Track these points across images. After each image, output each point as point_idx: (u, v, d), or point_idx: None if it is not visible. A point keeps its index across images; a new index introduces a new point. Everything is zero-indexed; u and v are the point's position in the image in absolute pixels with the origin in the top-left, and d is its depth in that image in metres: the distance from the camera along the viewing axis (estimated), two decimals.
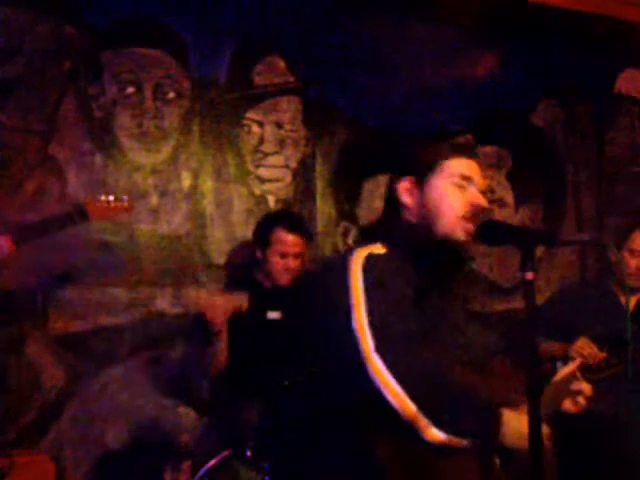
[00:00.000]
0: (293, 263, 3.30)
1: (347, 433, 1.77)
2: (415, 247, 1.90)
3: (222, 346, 3.19)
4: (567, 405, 1.93)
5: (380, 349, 1.70)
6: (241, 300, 3.20)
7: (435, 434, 1.67)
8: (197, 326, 3.29)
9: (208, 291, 3.59)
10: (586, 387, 1.92)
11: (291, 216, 3.62)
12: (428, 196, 1.93)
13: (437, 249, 1.90)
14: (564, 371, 1.94)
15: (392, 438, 1.71)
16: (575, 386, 1.91)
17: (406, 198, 1.95)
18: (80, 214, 2.90)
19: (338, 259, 1.88)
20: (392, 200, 1.98)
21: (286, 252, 3.29)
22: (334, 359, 1.80)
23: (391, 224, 1.98)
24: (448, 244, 1.90)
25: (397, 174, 1.98)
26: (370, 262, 1.82)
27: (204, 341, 3.25)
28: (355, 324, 1.73)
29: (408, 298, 1.81)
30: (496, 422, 1.73)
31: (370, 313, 1.74)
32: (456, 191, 1.91)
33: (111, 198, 3.01)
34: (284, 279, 3.31)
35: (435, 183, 1.93)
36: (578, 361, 1.96)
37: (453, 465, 1.72)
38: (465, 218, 1.90)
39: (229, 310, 3.15)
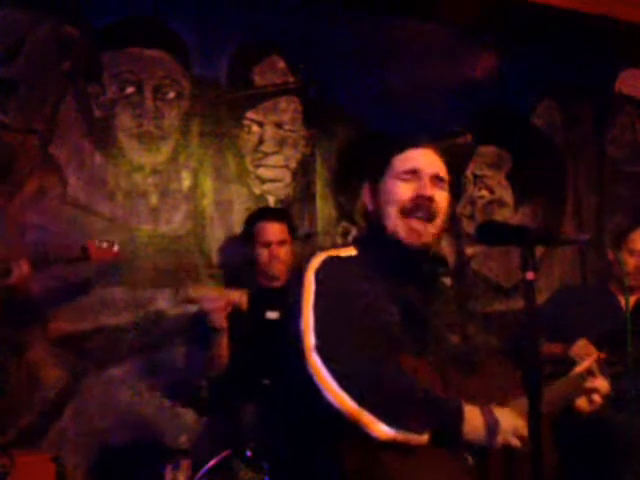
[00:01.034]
0: (277, 250, 3.32)
1: (313, 438, 1.77)
2: (375, 246, 1.91)
3: (224, 344, 3.19)
4: (581, 403, 1.90)
5: (320, 347, 1.70)
6: (241, 295, 3.20)
7: (382, 430, 1.66)
8: (198, 324, 3.29)
9: (207, 287, 3.60)
10: (602, 384, 1.89)
11: (269, 208, 3.66)
12: (380, 196, 1.94)
13: (388, 246, 1.90)
14: (581, 366, 1.91)
15: (354, 442, 1.68)
16: (590, 383, 1.88)
17: (369, 202, 1.98)
18: (82, 254, 3.18)
19: (305, 263, 1.89)
20: (363, 206, 2.01)
21: (268, 241, 3.33)
22: (287, 359, 1.82)
23: (363, 227, 2.03)
24: (394, 242, 1.88)
25: (363, 178, 2.02)
26: (325, 265, 1.84)
27: (205, 340, 3.25)
28: (302, 323, 1.75)
29: (362, 300, 1.81)
30: (454, 418, 1.71)
31: (316, 313, 1.75)
32: (401, 185, 1.90)
33: (105, 245, 3.22)
34: (274, 269, 3.33)
35: (385, 183, 1.94)
36: (595, 356, 1.93)
37: (421, 468, 1.70)
38: (407, 213, 1.88)
39: (229, 306, 3.15)
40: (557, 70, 4.66)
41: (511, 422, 1.73)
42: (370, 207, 1.97)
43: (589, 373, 1.89)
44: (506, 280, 4.51)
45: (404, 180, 1.90)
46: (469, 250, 4.44)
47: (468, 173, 4.49)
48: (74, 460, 3.38)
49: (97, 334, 3.50)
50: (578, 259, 4.75)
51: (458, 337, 2.00)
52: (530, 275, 1.60)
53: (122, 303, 3.55)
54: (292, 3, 3.95)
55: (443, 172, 1.94)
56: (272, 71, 3.98)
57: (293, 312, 1.79)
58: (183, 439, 3.57)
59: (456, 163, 4.52)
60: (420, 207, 1.87)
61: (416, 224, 1.87)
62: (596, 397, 1.89)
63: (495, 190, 4.57)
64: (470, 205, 4.49)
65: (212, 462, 2.92)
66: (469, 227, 4.42)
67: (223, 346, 3.19)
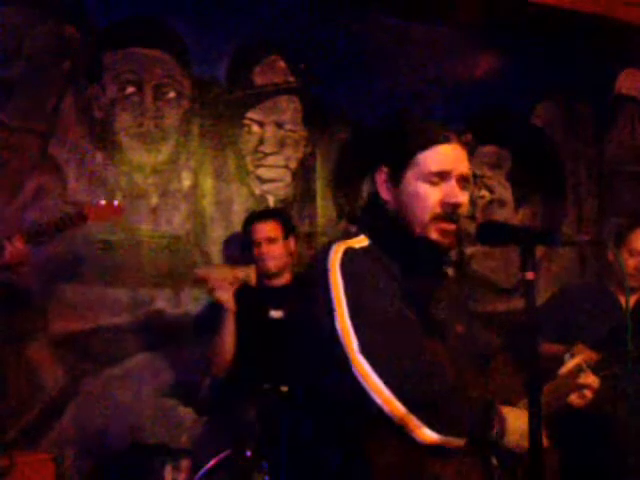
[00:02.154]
0: (266, 248, 3.35)
1: (342, 438, 1.74)
2: (397, 242, 1.84)
3: (231, 326, 3.18)
4: (573, 399, 1.90)
5: (365, 350, 1.66)
6: (248, 270, 3.21)
7: (427, 434, 1.64)
8: (207, 314, 3.30)
9: (214, 265, 3.62)
10: (593, 380, 1.89)
11: (262, 210, 3.68)
12: (403, 194, 1.83)
13: (417, 247, 1.83)
14: (570, 364, 1.92)
15: (387, 443, 1.67)
16: (581, 379, 1.88)
17: (384, 192, 1.87)
18: (79, 217, 3.03)
19: (319, 256, 1.81)
20: (375, 191, 1.90)
21: (258, 239, 3.37)
22: (319, 360, 1.77)
23: (374, 216, 1.90)
24: (426, 243, 1.82)
25: (378, 164, 1.89)
26: (348, 258, 1.76)
27: (212, 327, 3.24)
28: (338, 324, 1.69)
29: (390, 294, 1.76)
30: (492, 420, 1.70)
31: (352, 312, 1.69)
32: (429, 189, 1.81)
33: (103, 202, 3.13)
34: (267, 266, 3.36)
35: (408, 180, 1.83)
36: (581, 356, 1.94)
37: (451, 469, 1.70)
38: (439, 218, 1.81)
39: (236, 281, 3.16)
40: (557, 70, 4.66)
41: (519, 424, 1.72)
42: (385, 196, 1.87)
43: (579, 370, 1.89)
44: (506, 280, 4.51)
45: (432, 183, 1.81)
46: (469, 250, 4.44)
47: None
48: (74, 460, 3.38)
49: (97, 334, 3.50)
50: (578, 259, 4.75)
51: (463, 333, 1.98)
52: (530, 275, 1.60)
53: (122, 303, 3.56)
54: (292, 3, 3.95)
55: (468, 170, 1.87)
56: (272, 71, 3.98)
57: (321, 310, 1.72)
58: (183, 439, 3.57)
59: None
60: (449, 213, 1.82)
61: (447, 225, 1.82)
62: (587, 392, 1.89)
63: (495, 190, 4.57)
64: (470, 205, 4.48)
65: (212, 462, 2.92)
66: (469, 227, 4.41)
67: (230, 329, 3.19)
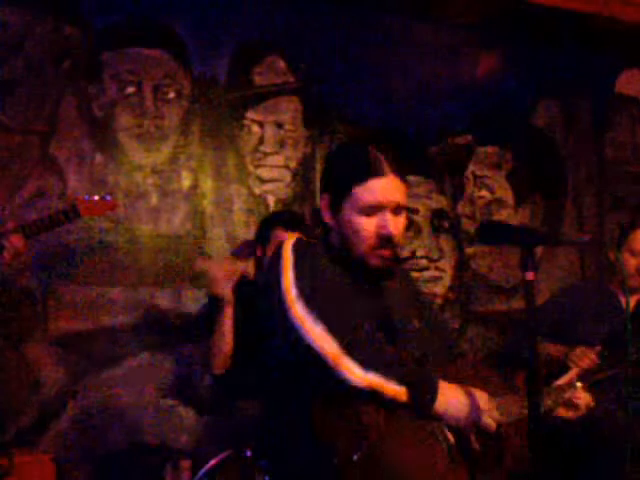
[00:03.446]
0: None
1: (298, 409, 1.79)
2: (340, 260, 1.96)
3: (228, 319, 3.15)
4: (561, 411, 1.93)
5: (302, 296, 1.76)
6: (247, 263, 3.19)
7: (359, 374, 1.68)
8: (207, 313, 3.28)
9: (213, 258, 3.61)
10: (583, 396, 1.92)
11: (291, 215, 3.62)
12: (342, 222, 1.95)
13: (357, 269, 1.95)
14: (566, 377, 1.94)
15: (334, 406, 1.70)
16: (570, 394, 1.91)
17: (326, 216, 2.00)
18: (72, 211, 3.04)
19: (277, 246, 1.98)
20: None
21: None
22: (266, 322, 1.87)
23: (324, 231, 2.04)
24: (365, 269, 1.93)
25: (323, 189, 2.05)
26: (300, 243, 1.92)
27: (213, 321, 3.22)
28: (283, 282, 1.80)
29: (334, 279, 1.88)
30: (429, 382, 1.75)
31: (296, 272, 1.81)
32: (364, 221, 1.92)
33: (96, 197, 3.13)
34: None
35: (346, 211, 1.95)
36: (576, 370, 1.97)
37: (400, 431, 1.71)
38: (376, 247, 1.91)
39: (235, 274, 3.13)
40: (557, 70, 4.66)
41: (487, 403, 1.76)
42: (327, 220, 2.00)
43: (570, 386, 1.92)
44: (506, 280, 4.51)
45: (367, 215, 1.92)
46: (469, 250, 4.44)
47: (468, 173, 4.49)
48: (74, 460, 3.38)
49: (97, 334, 3.50)
50: (578, 259, 4.75)
51: (420, 328, 2.03)
52: (530, 275, 1.60)
53: (122, 303, 3.56)
54: (292, 3, 3.95)
55: (403, 199, 1.95)
56: (272, 71, 3.98)
57: (271, 287, 1.83)
58: (183, 439, 3.57)
59: (456, 163, 4.53)
60: (384, 243, 1.92)
61: (384, 252, 1.93)
62: (578, 407, 1.92)
63: (495, 190, 4.57)
64: (470, 205, 4.49)
65: (212, 462, 2.92)
66: (469, 227, 4.42)
67: (228, 323, 3.15)
